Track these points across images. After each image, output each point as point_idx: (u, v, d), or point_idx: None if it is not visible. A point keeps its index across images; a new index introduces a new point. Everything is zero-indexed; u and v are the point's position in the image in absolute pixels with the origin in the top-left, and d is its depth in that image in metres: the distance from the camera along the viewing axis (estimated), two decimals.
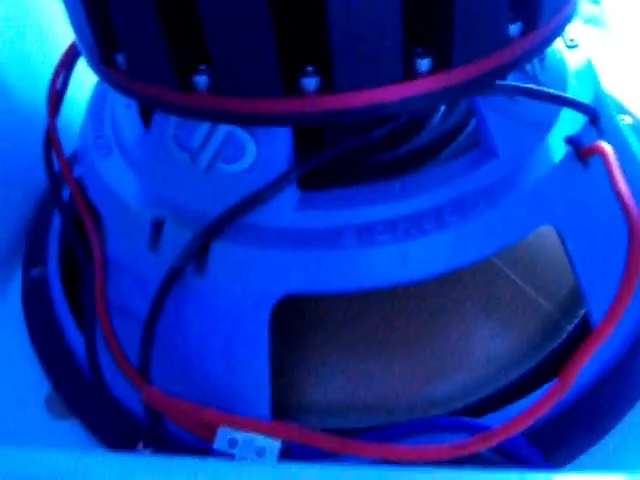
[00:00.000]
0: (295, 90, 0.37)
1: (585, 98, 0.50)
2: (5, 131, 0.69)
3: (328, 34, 0.35)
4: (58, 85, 0.60)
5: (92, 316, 0.51)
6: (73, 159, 0.68)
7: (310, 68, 0.37)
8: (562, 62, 0.53)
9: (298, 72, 0.37)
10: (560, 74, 0.52)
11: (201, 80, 0.38)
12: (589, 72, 0.53)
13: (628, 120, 0.67)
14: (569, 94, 0.50)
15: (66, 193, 0.60)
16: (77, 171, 0.63)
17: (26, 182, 0.70)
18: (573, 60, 0.53)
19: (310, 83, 0.37)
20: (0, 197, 0.68)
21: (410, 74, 0.37)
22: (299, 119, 0.38)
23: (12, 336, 0.60)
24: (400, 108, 0.38)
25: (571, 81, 0.51)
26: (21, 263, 0.66)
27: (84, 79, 0.55)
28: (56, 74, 0.59)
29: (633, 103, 0.71)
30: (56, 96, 0.59)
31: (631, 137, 0.60)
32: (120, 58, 0.41)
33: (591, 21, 0.81)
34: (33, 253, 0.66)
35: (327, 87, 0.37)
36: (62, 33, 0.73)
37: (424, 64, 0.37)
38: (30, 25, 0.74)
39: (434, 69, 0.37)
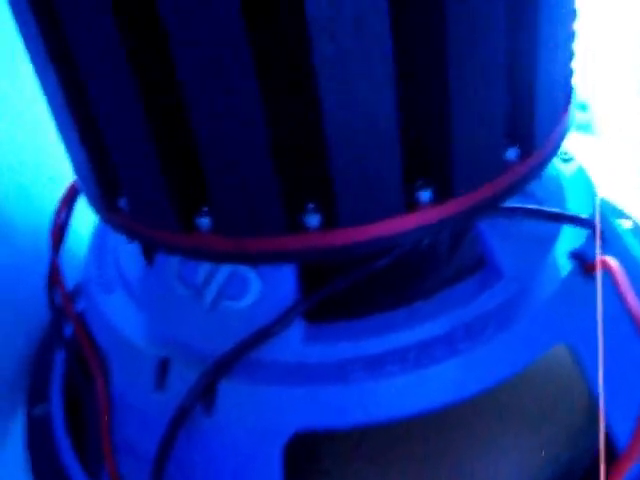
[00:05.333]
0: (297, 227, 0.37)
1: (584, 211, 0.50)
2: (6, 264, 0.69)
3: (329, 170, 0.35)
4: (61, 220, 0.60)
5: (97, 458, 0.49)
6: (76, 291, 0.67)
7: (312, 205, 0.37)
8: (558, 176, 0.53)
9: (300, 209, 0.37)
10: (557, 189, 0.52)
11: (203, 222, 0.38)
12: (586, 184, 0.53)
13: (628, 224, 0.67)
14: (568, 208, 0.50)
15: (69, 329, 0.59)
16: (80, 304, 0.62)
17: (28, 316, 0.70)
18: (569, 173, 0.54)
19: (312, 220, 0.37)
20: (1, 331, 0.67)
21: (412, 206, 0.37)
22: (302, 256, 0.38)
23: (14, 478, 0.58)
24: (403, 240, 0.38)
25: (569, 195, 0.52)
26: (23, 400, 0.64)
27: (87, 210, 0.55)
28: (59, 210, 0.60)
29: (630, 206, 0.71)
30: (59, 232, 0.59)
31: (632, 242, 0.60)
32: (122, 202, 0.41)
33: (581, 128, 0.83)
34: (36, 390, 0.64)
35: (329, 223, 0.37)
36: (61, 164, 0.75)
37: (425, 195, 0.37)
38: (28, 157, 0.75)
39: (435, 200, 0.37)
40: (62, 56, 0.37)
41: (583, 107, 0.83)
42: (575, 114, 0.51)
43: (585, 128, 0.83)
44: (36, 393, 0.64)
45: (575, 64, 0.45)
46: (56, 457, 0.58)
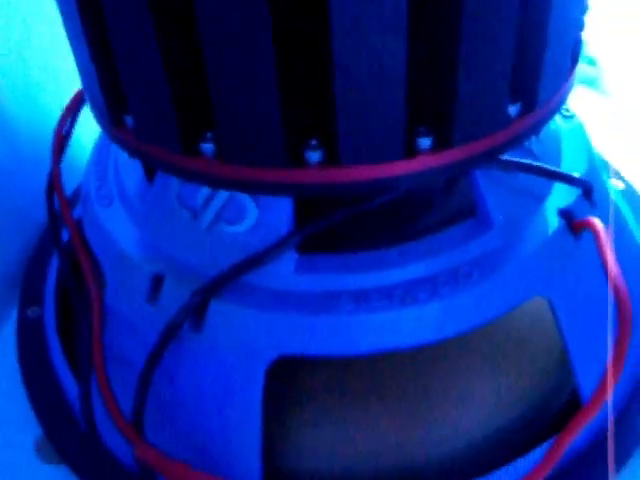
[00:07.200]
0: (298, 162, 0.38)
1: (578, 170, 0.51)
2: (6, 168, 0.70)
3: (333, 109, 0.36)
4: (64, 130, 0.61)
5: (87, 365, 0.51)
6: (75, 197, 0.69)
7: (314, 141, 0.38)
8: (556, 133, 0.54)
9: (302, 144, 0.38)
10: (554, 145, 0.53)
11: (207, 147, 0.39)
12: (583, 143, 0.54)
13: (620, 186, 0.69)
14: (563, 166, 0.51)
15: (65, 235, 0.60)
16: (78, 211, 0.64)
17: (25, 219, 0.71)
18: (567, 130, 0.55)
19: (313, 156, 0.38)
20: None
21: (411, 152, 0.38)
22: (301, 190, 0.39)
23: (4, 377, 0.61)
24: (399, 184, 0.39)
25: (565, 152, 0.53)
26: (16, 302, 0.66)
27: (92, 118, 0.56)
28: (62, 119, 0.60)
29: (627, 167, 0.72)
30: (61, 141, 0.60)
31: (622, 204, 0.62)
32: (129, 120, 0.42)
33: (587, 82, 0.82)
34: (30, 291, 0.66)
35: (330, 160, 0.38)
36: (68, 72, 0.74)
37: (425, 143, 0.38)
38: (35, 65, 0.75)
39: (435, 148, 0.38)
40: None
41: (592, 62, 0.83)
42: (582, 67, 0.51)
43: (591, 83, 0.83)
44: (30, 296, 0.66)
45: (587, 18, 0.45)
46: (46, 359, 0.60)
